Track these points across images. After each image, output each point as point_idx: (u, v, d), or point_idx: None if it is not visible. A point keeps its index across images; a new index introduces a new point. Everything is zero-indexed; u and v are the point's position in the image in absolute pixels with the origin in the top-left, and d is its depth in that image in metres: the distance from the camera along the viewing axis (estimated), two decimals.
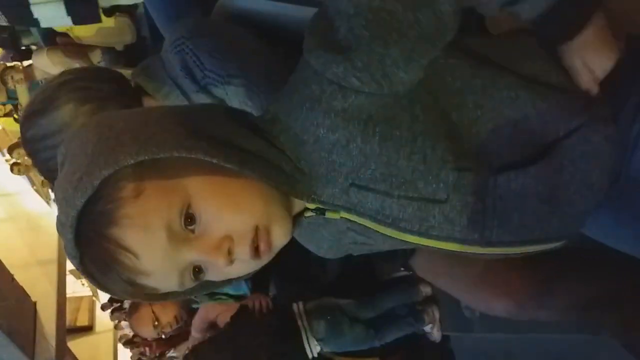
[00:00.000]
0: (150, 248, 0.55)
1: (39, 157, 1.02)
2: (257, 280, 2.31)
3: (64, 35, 2.95)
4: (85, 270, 0.58)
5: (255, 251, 0.58)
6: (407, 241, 0.67)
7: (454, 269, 1.37)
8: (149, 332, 2.43)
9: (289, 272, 2.44)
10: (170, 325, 2.36)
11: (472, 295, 1.36)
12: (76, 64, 2.71)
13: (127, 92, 1.04)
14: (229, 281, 0.66)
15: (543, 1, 0.65)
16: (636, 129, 0.68)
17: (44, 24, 2.12)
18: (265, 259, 0.60)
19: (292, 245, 0.65)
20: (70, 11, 2.02)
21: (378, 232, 0.66)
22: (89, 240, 0.55)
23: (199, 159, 0.56)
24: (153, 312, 2.30)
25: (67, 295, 7.50)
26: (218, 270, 0.59)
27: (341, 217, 0.66)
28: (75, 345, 7.86)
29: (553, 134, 0.64)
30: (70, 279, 8.38)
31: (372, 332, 2.32)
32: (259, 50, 0.97)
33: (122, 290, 0.58)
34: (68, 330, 7.67)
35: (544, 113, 0.64)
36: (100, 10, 2.09)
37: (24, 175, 6.48)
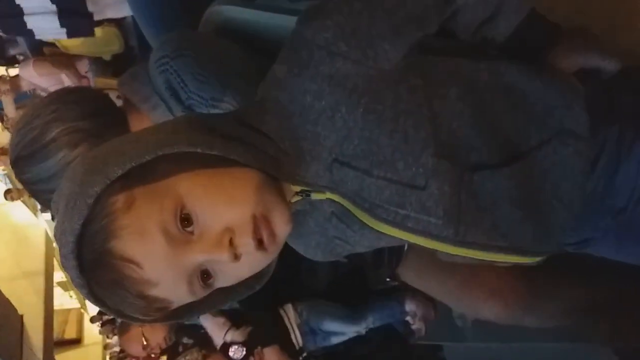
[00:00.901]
0: (151, 254, 0.54)
1: (40, 198, 1.01)
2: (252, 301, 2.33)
3: (51, 45, 2.92)
4: (96, 298, 0.57)
5: (259, 242, 0.57)
6: (383, 234, 0.66)
7: (440, 273, 1.37)
8: (138, 352, 2.46)
9: (279, 282, 2.46)
10: (159, 346, 2.39)
11: (459, 298, 1.36)
12: (63, 75, 2.69)
13: (116, 120, 1.02)
14: (249, 288, 0.65)
15: (515, 16, 0.70)
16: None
17: (38, 35, 2.10)
18: (272, 251, 0.59)
19: (284, 254, 0.65)
20: (63, 24, 2.02)
21: (357, 218, 0.66)
22: (91, 262, 0.55)
23: (185, 159, 0.57)
24: (143, 333, 2.34)
25: (55, 308, 7.41)
26: (226, 269, 0.58)
27: (327, 198, 0.66)
28: (63, 358, 7.76)
29: (525, 143, 0.65)
30: (57, 291, 8.29)
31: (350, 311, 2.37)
32: (245, 65, 0.97)
33: (136, 308, 0.57)
34: (56, 343, 7.57)
35: (518, 121, 0.66)
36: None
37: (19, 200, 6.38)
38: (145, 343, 2.35)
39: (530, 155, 0.65)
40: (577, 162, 0.67)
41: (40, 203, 1.04)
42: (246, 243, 0.56)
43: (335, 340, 2.44)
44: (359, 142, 0.61)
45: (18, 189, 5.62)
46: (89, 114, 0.99)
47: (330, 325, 2.41)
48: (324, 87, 0.60)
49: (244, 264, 0.58)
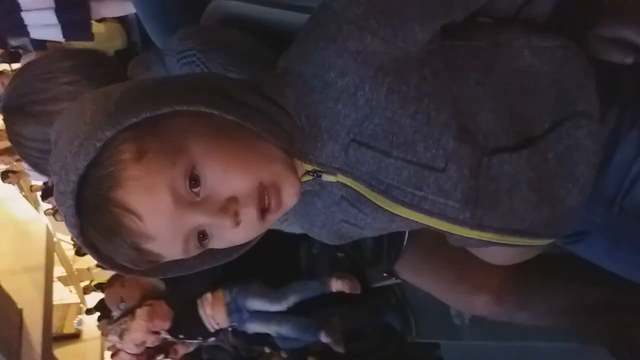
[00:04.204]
0: (155, 210, 0.54)
1: (23, 151, 0.99)
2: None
3: (55, 41, 2.92)
4: (86, 240, 0.57)
5: (262, 212, 0.58)
6: (397, 216, 0.66)
7: (435, 269, 1.37)
8: (114, 308, 2.98)
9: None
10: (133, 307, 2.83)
11: (453, 293, 1.36)
12: None
13: None
14: (229, 254, 0.66)
15: None
16: (637, 166, 0.70)
17: (34, 34, 2.10)
18: (271, 221, 0.60)
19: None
20: (60, 19, 2.00)
21: (370, 201, 0.66)
22: (92, 205, 0.54)
23: (201, 119, 0.57)
24: (120, 295, 2.85)
25: (54, 303, 7.42)
26: (224, 234, 0.58)
27: (337, 181, 0.66)
28: (61, 353, 7.76)
29: (540, 126, 0.65)
30: (57, 286, 8.30)
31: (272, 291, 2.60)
32: (268, 57, 0.96)
33: (126, 258, 0.57)
34: (55, 338, 7.58)
35: (533, 104, 0.66)
36: (92, 25, 2.09)
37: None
38: (122, 304, 2.83)
39: (545, 138, 0.65)
40: (591, 144, 0.66)
41: (22, 155, 1.00)
42: (249, 212, 0.57)
43: (257, 326, 2.62)
44: (380, 121, 0.60)
45: (15, 172, 5.62)
46: (98, 81, 0.96)
47: (254, 303, 2.59)
48: (349, 63, 0.59)
49: (241, 231, 0.58)
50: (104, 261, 0.59)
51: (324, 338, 2.43)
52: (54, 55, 1.02)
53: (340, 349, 2.41)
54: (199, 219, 0.56)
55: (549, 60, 0.67)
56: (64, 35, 2.07)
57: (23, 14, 1.96)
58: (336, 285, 2.46)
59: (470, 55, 0.65)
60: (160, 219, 0.55)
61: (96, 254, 0.58)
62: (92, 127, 0.54)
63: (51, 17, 1.94)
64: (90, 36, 2.17)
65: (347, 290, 2.45)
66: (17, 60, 3.72)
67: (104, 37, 2.79)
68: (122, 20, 2.70)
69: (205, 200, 0.56)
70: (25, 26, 1.98)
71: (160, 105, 0.55)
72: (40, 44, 2.89)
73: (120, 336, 2.85)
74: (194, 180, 0.56)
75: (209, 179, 0.56)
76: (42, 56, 1.03)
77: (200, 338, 2.82)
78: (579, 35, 0.70)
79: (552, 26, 0.71)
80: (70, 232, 0.57)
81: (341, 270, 2.49)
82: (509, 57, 0.67)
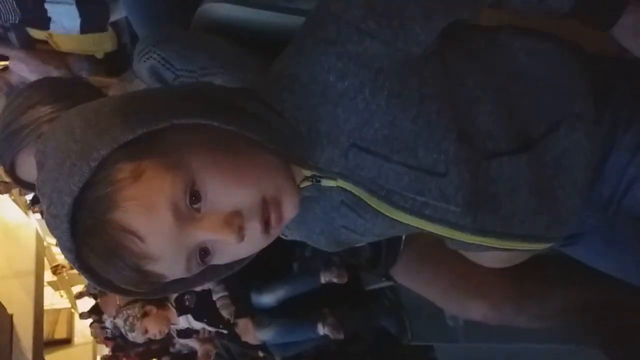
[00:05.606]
0: (157, 230, 0.52)
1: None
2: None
3: (43, 42, 2.89)
4: (82, 264, 0.54)
5: (266, 225, 0.56)
6: (397, 222, 0.65)
7: (431, 274, 1.37)
8: (111, 314, 3.18)
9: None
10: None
11: (448, 298, 1.35)
12: (54, 71, 2.67)
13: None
14: (231, 267, 0.64)
15: None
16: (632, 168, 0.70)
17: (53, 26, 2.11)
18: (274, 234, 0.58)
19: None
20: (81, 13, 2.01)
21: (370, 206, 0.65)
22: (89, 228, 0.52)
23: (198, 132, 0.55)
24: (118, 301, 3.01)
25: (45, 308, 7.35)
26: (227, 249, 0.57)
27: (337, 186, 0.64)
28: (53, 358, 7.70)
29: (537, 129, 0.65)
30: (48, 291, 8.23)
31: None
32: (233, 50, 0.97)
33: (128, 280, 0.55)
34: (46, 344, 7.51)
35: (530, 107, 0.65)
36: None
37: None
38: (119, 306, 2.92)
39: (543, 141, 0.64)
40: (588, 145, 0.66)
41: (15, 182, 1.11)
42: (254, 226, 0.55)
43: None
44: (380, 126, 0.59)
45: (6, 183, 5.58)
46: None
47: (258, 298, 2.72)
48: (349, 66, 0.57)
49: (245, 245, 0.56)
50: (103, 285, 0.57)
51: (321, 330, 2.41)
52: (35, 85, 1.09)
53: (339, 336, 2.39)
54: (202, 236, 0.54)
55: (545, 62, 0.67)
56: (82, 27, 2.09)
57: (47, 5, 1.97)
58: (324, 276, 2.46)
59: (468, 57, 0.65)
60: (162, 239, 0.52)
61: (94, 278, 0.56)
62: (84, 146, 0.51)
63: (71, 9, 1.95)
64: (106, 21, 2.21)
65: (335, 279, 2.45)
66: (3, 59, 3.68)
67: (93, 40, 2.76)
68: (112, 22, 2.68)
69: (206, 215, 0.54)
70: (48, 19, 1.99)
71: (157, 120, 0.52)
72: (28, 46, 2.86)
73: (127, 322, 2.83)
74: (194, 196, 0.53)
75: (209, 194, 0.54)
76: (25, 87, 1.11)
77: (221, 326, 2.83)
78: (604, 29, 0.68)
79: (578, 18, 0.68)
80: (65, 256, 0.54)
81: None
82: (506, 59, 0.66)
